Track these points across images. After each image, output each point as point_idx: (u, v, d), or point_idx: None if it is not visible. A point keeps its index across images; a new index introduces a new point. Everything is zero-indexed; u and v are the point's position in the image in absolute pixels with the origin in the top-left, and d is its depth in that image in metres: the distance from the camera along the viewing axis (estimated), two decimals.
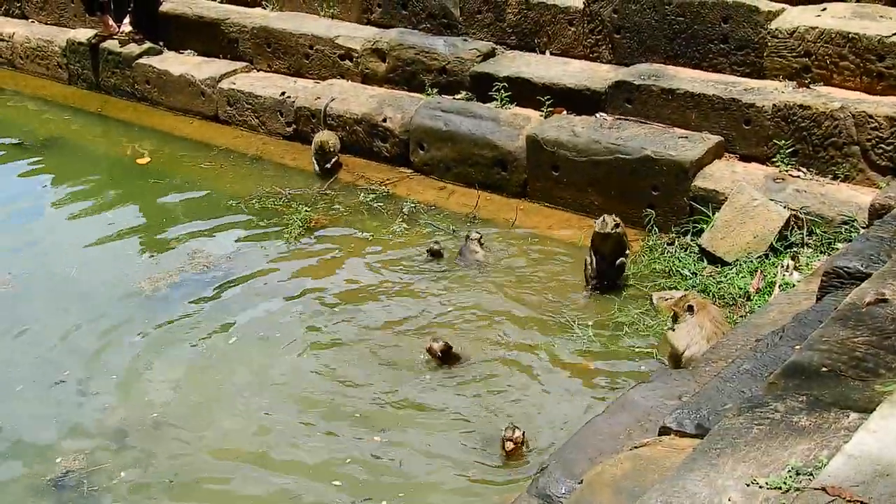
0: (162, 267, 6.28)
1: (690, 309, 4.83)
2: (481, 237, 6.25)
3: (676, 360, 4.72)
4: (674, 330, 4.83)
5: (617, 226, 5.66)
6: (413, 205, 6.93)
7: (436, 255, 6.19)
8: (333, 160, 7.48)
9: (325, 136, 7.49)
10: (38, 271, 6.32)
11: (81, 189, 7.68)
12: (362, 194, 7.15)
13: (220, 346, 5.40)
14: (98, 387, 5.07)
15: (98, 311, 5.77)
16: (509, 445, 4.33)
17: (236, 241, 6.65)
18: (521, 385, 4.95)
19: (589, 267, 5.73)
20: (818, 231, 5.57)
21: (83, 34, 9.66)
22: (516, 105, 7.19)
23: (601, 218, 5.71)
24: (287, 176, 7.61)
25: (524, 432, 4.37)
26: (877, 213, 5.09)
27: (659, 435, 3.33)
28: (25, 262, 6.45)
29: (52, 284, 6.13)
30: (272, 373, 5.15)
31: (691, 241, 5.97)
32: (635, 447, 3.29)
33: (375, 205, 7.00)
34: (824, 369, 2.87)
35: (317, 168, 7.53)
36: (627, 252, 5.75)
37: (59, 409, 4.93)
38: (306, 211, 6.92)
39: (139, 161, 8.14)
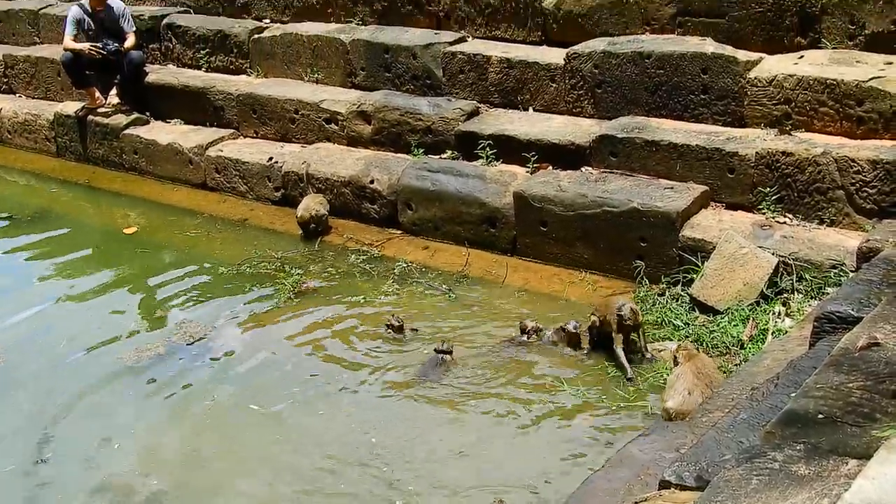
0: (149, 337, 6.22)
1: (676, 361, 4.82)
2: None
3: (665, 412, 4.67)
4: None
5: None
6: (405, 265, 6.93)
7: (396, 330, 5.96)
8: (322, 225, 7.52)
9: (303, 209, 7.54)
10: (27, 345, 6.25)
11: (70, 261, 7.64)
12: (353, 256, 7.16)
13: (210, 415, 5.33)
14: (86, 462, 4.97)
15: (85, 385, 5.68)
16: None
17: (224, 308, 6.59)
18: (513, 441, 4.88)
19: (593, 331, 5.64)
20: (808, 276, 5.58)
21: (70, 107, 9.75)
22: (502, 162, 7.24)
23: (621, 306, 5.45)
24: (275, 240, 7.62)
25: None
26: (864, 256, 5.13)
27: (659, 489, 3.28)
28: (14, 336, 6.38)
29: (40, 358, 6.06)
30: (264, 441, 5.07)
31: (682, 291, 5.97)
32: (636, 503, 3.25)
33: (366, 266, 7.00)
34: (821, 416, 2.84)
35: (302, 233, 7.57)
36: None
37: (46, 486, 4.81)
38: (297, 274, 6.90)
39: (126, 231, 8.14)
